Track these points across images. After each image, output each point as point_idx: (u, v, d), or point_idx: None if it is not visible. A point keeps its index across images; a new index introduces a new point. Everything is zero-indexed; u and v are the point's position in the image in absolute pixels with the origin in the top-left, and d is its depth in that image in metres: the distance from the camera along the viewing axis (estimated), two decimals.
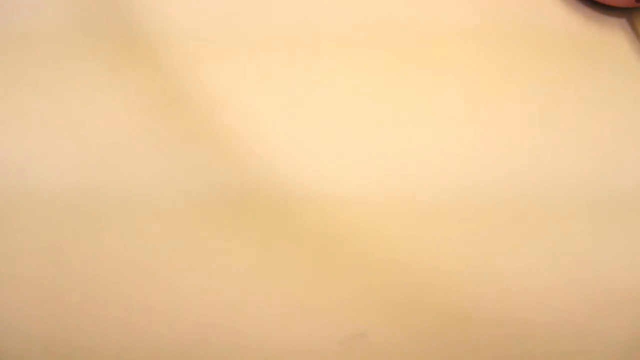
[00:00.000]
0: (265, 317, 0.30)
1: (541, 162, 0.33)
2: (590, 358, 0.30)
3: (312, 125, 0.34)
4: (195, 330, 0.30)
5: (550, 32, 0.36)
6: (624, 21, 0.36)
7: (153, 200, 0.32)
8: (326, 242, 0.32)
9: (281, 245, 0.31)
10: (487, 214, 0.32)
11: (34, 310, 0.30)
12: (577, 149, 0.33)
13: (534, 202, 0.32)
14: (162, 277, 0.31)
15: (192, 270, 0.31)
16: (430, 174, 0.33)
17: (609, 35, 0.36)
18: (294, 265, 0.31)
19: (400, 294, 0.31)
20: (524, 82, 0.35)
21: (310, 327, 0.30)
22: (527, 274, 0.31)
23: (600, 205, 0.32)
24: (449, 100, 0.34)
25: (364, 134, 0.34)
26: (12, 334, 0.30)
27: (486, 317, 0.31)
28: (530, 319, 0.31)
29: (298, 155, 0.33)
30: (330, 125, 0.34)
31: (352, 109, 0.34)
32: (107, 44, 0.35)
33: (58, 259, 0.31)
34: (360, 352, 0.30)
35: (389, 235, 0.32)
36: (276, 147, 0.33)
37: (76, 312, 0.30)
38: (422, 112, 0.34)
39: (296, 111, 0.34)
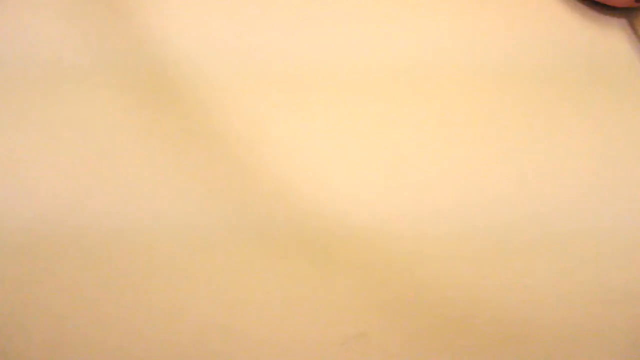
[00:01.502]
0: (265, 317, 0.30)
1: (539, 163, 0.33)
2: (590, 358, 0.30)
3: (319, 144, 0.34)
4: (195, 330, 0.30)
5: (549, 33, 0.36)
6: (624, 21, 0.36)
7: (155, 204, 0.32)
8: (326, 243, 0.32)
9: (281, 246, 0.32)
10: (488, 215, 0.32)
11: (34, 310, 0.30)
12: (576, 150, 0.33)
13: (533, 202, 0.32)
14: (162, 277, 0.31)
15: (192, 270, 0.31)
16: (431, 177, 0.33)
17: (609, 35, 0.36)
18: (295, 266, 0.31)
19: (400, 294, 0.31)
20: (523, 83, 0.35)
21: (310, 327, 0.30)
22: (527, 274, 0.31)
23: (600, 205, 0.32)
24: (448, 102, 0.34)
25: (368, 149, 0.34)
26: (12, 333, 0.30)
27: (486, 317, 0.31)
28: (530, 319, 0.31)
29: (300, 165, 0.33)
30: (336, 143, 0.34)
31: (365, 137, 0.34)
32: (125, 73, 0.35)
33: (59, 261, 0.31)
34: (360, 352, 0.30)
35: (389, 236, 0.32)
36: (279, 159, 0.33)
37: (76, 313, 0.30)
38: (420, 113, 0.34)
39: (302, 132, 0.34)
